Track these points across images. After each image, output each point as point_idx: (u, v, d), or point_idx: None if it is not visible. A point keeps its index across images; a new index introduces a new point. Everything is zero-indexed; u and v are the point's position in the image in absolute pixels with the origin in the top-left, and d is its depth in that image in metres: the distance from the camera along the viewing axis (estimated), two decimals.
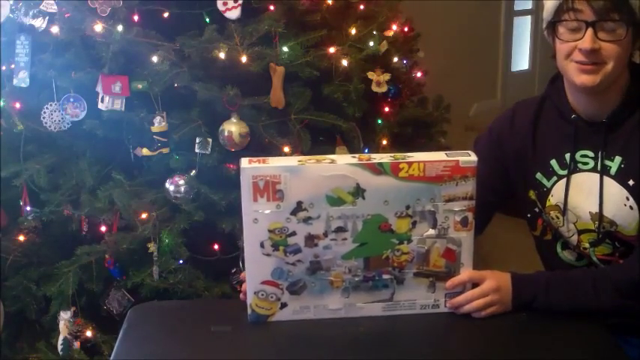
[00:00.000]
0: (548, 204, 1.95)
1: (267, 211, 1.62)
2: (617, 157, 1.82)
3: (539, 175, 1.95)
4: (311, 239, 1.64)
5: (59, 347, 2.67)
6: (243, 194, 1.61)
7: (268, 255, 1.65)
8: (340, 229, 1.64)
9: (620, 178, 1.82)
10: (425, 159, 1.61)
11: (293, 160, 1.63)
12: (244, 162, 1.61)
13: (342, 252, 1.66)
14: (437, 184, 1.62)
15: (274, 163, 1.62)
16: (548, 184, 1.94)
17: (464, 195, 1.63)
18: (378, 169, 1.59)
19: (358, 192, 1.61)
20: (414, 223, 1.65)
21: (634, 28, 1.75)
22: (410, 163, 1.60)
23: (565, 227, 1.93)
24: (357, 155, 1.63)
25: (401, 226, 1.64)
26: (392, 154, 1.62)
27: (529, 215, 2.03)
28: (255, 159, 1.63)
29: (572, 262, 1.98)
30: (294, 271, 1.67)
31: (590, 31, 1.72)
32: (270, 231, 1.63)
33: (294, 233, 1.64)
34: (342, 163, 1.60)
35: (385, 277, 1.69)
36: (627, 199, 1.82)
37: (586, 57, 1.75)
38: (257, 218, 1.62)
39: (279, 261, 1.66)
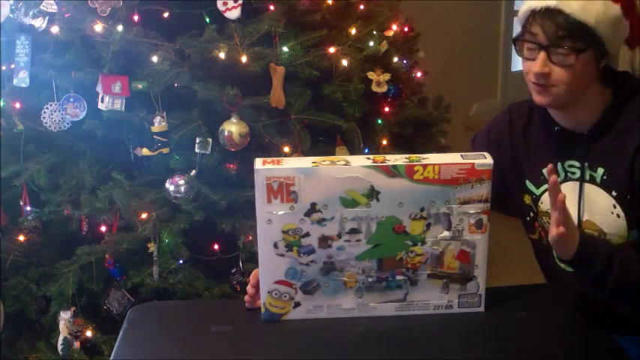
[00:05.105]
0: (539, 209, 1.97)
1: (281, 213, 1.61)
2: (599, 168, 1.84)
3: (528, 182, 1.98)
4: (325, 240, 1.64)
5: (59, 347, 2.66)
6: (257, 195, 1.61)
7: (282, 255, 1.65)
8: (354, 231, 1.64)
9: (605, 187, 1.85)
10: (440, 162, 1.60)
11: (307, 162, 1.62)
12: (258, 163, 1.61)
13: (356, 253, 1.66)
14: (452, 187, 1.61)
15: (288, 164, 1.62)
16: (537, 191, 1.96)
17: (479, 197, 1.63)
18: (392, 172, 1.59)
19: (372, 194, 1.61)
20: (429, 225, 1.65)
21: (596, 49, 1.76)
22: (425, 166, 1.59)
23: None
24: (371, 157, 1.62)
25: (415, 228, 1.64)
26: (407, 156, 1.62)
27: (527, 219, 2.05)
28: (269, 160, 1.62)
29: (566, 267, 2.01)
30: (307, 271, 1.67)
31: (542, 54, 1.76)
32: (283, 232, 1.63)
33: (307, 234, 1.64)
34: (356, 165, 1.60)
35: (399, 277, 1.69)
36: (614, 206, 1.84)
37: (536, 79, 1.78)
38: (271, 219, 1.62)
39: (293, 261, 1.66)
